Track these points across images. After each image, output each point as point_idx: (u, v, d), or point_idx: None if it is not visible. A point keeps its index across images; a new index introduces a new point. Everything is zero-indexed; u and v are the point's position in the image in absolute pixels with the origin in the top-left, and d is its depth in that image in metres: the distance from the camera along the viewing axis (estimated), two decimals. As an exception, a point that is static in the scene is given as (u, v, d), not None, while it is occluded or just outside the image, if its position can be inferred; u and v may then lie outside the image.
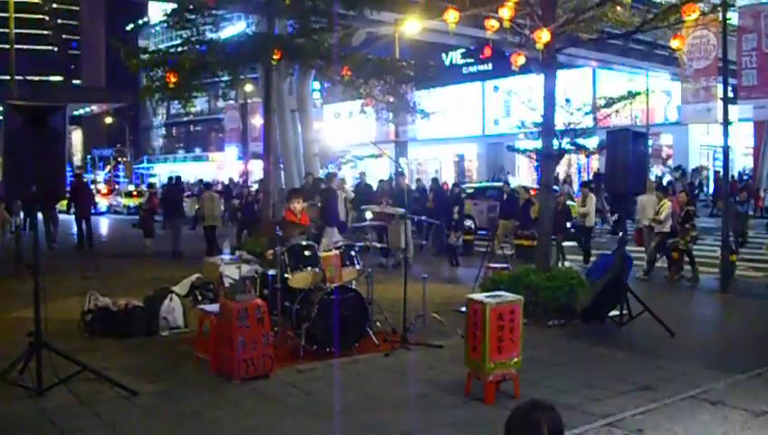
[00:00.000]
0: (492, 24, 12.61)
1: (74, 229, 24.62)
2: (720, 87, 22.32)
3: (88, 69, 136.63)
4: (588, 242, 19.48)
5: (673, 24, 12.95)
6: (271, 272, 10.46)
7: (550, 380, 8.42)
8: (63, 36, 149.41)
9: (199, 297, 11.82)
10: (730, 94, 18.93)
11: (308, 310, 9.53)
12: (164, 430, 7.04)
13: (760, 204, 34.98)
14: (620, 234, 13.15)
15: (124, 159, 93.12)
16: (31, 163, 7.65)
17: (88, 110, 64.10)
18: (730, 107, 18.28)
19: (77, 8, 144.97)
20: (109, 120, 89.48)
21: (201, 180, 34.29)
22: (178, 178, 28.13)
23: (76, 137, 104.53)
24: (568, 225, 19.51)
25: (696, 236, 16.47)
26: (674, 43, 13.20)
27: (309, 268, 10.02)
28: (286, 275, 9.98)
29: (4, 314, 12.43)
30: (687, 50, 25.48)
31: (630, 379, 8.46)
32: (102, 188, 49.96)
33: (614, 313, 11.44)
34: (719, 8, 14.49)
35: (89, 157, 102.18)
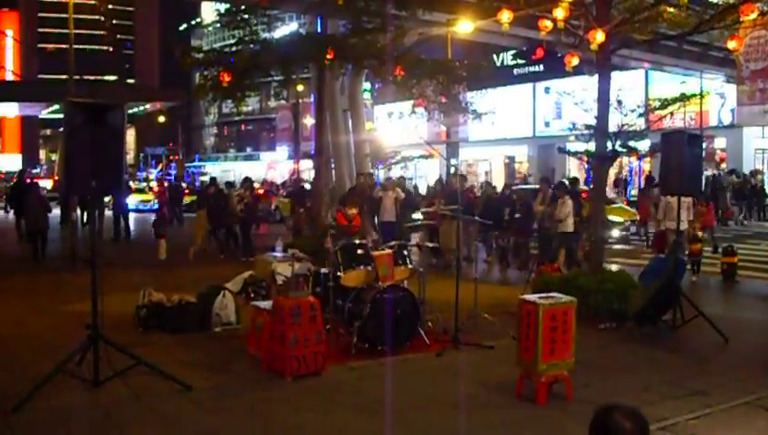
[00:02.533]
0: (546, 24, 12.55)
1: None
2: (777, 89, 22.04)
3: (142, 68, 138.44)
4: (567, 249, 17.41)
5: (730, 25, 12.80)
6: (323, 270, 10.55)
7: (602, 382, 8.38)
8: (118, 36, 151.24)
9: (252, 294, 11.94)
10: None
11: (360, 308, 9.59)
12: (217, 425, 7.13)
13: None
14: (675, 237, 13.00)
15: (176, 158, 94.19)
16: (91, 159, 7.80)
17: (141, 108, 64.77)
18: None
19: (131, 9, 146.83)
20: (161, 118, 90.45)
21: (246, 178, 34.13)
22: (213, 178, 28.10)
23: (129, 135, 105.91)
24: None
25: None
26: (731, 44, 13.06)
27: (361, 267, 10.08)
28: (339, 274, 10.05)
29: (63, 306, 12.69)
30: (744, 51, 25.18)
31: (683, 383, 8.38)
32: (154, 185, 50.52)
33: (667, 316, 11.33)
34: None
35: (141, 155, 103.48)
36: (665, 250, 16.19)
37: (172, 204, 33.57)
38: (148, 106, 62.98)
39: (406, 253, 10.79)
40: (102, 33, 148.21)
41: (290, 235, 22.42)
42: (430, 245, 12.47)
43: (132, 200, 41.66)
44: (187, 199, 36.61)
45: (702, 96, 37.07)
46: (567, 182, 20.83)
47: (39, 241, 19.76)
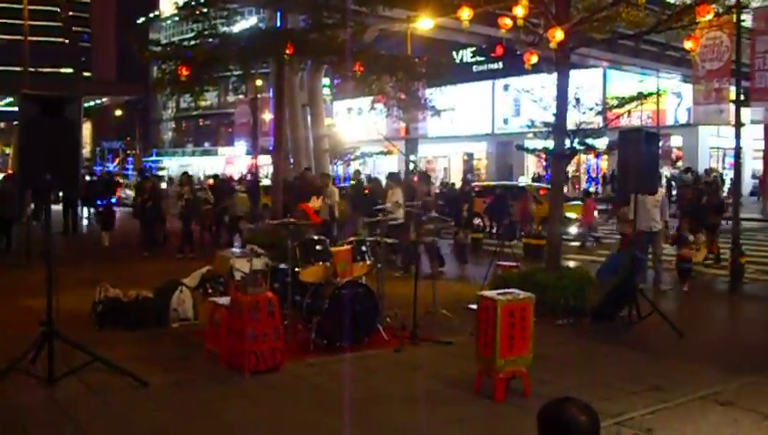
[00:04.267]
0: (505, 22, 12.60)
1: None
2: (732, 89, 22.26)
3: (98, 61, 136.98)
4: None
5: (687, 26, 12.95)
6: (282, 265, 10.51)
7: (559, 378, 8.43)
8: (74, 28, 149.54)
9: (209, 290, 11.85)
10: (742, 97, 18.87)
11: (319, 304, 9.56)
12: (174, 421, 7.07)
13: None
14: (630, 235, 13.13)
15: (133, 152, 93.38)
16: (46, 153, 7.68)
17: (98, 102, 64.16)
18: (741, 109, 18.24)
19: (87, 0, 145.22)
20: (118, 112, 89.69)
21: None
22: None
23: (85, 129, 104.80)
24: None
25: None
26: (687, 45, 13.21)
27: (320, 262, 10.05)
28: (297, 269, 10.02)
29: (16, 302, 12.51)
30: (700, 51, 25.38)
31: (640, 379, 8.46)
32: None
33: (623, 313, 11.43)
34: (733, 10, 14.48)
35: (98, 149, 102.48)
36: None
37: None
38: (104, 99, 62.41)
39: (364, 249, 10.77)
40: (58, 24, 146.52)
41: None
42: (389, 241, 12.45)
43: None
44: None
45: (659, 95, 37.55)
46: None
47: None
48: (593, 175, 50.74)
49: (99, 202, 26.71)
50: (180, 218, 20.53)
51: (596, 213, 23.99)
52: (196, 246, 20.57)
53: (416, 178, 22.86)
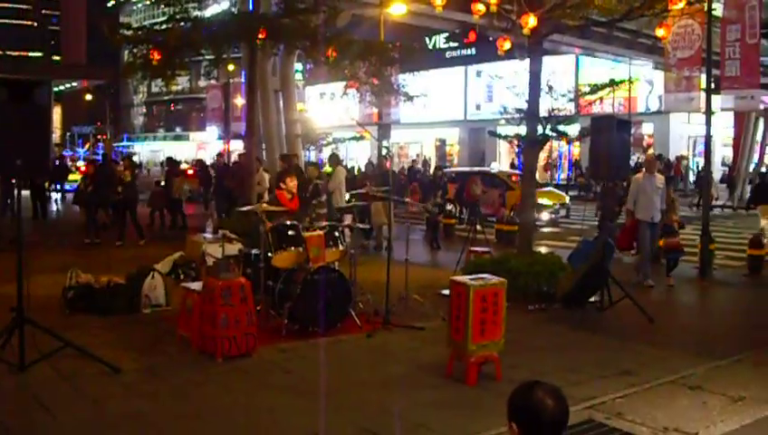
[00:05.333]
0: (479, 8, 12.64)
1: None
2: (703, 77, 22.40)
3: (68, 45, 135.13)
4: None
5: (659, 13, 13.02)
6: (254, 251, 10.48)
7: (530, 363, 8.48)
8: (43, 11, 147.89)
9: (182, 276, 11.79)
10: (712, 85, 18.99)
11: (291, 290, 9.56)
12: (146, 407, 7.04)
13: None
14: (603, 221, 13.21)
15: (104, 137, 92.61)
16: (16, 138, 7.60)
17: (68, 86, 63.49)
18: (712, 97, 18.36)
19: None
20: (89, 97, 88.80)
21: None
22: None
23: (55, 114, 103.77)
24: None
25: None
26: (659, 32, 13.32)
27: (292, 248, 10.04)
28: (270, 255, 10.00)
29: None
30: (672, 39, 25.49)
31: (610, 363, 8.55)
32: (81, 165, 49.49)
33: (595, 298, 11.52)
34: (705, -2, 14.57)
35: (68, 134, 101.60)
36: (633, 246, 15.32)
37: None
38: (75, 84, 61.74)
39: (337, 234, 10.77)
40: (27, 7, 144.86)
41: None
42: (361, 226, 12.46)
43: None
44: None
45: (631, 82, 37.68)
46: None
47: None
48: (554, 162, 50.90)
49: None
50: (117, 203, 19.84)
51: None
52: (147, 228, 20.38)
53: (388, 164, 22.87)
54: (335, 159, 19.03)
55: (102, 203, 20.14)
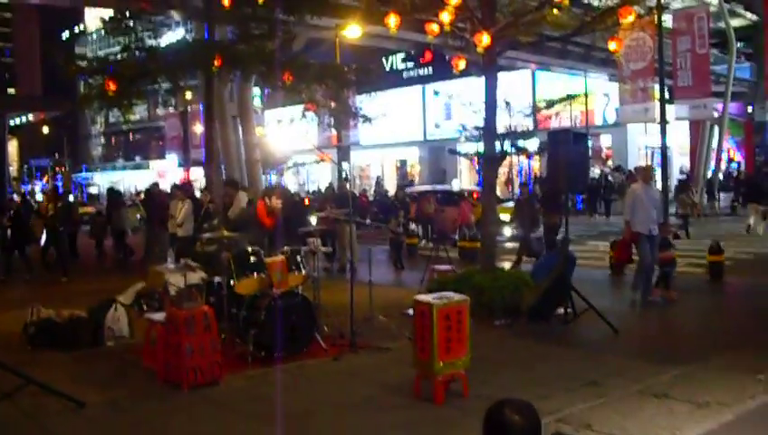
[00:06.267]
0: (433, 28, 12.69)
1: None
2: (657, 88, 22.74)
3: (23, 77, 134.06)
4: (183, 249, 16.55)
5: (610, 27, 13.18)
6: (217, 279, 10.44)
7: (498, 378, 8.51)
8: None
9: (144, 306, 11.69)
10: (666, 95, 19.28)
11: (255, 316, 9.51)
12: (113, 440, 6.98)
13: None
14: (563, 235, 13.27)
15: (62, 169, 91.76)
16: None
17: (24, 119, 62.87)
18: (667, 107, 18.63)
19: (9, 15, 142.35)
20: (45, 129, 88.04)
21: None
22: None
23: (11, 147, 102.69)
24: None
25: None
26: (611, 46, 13.46)
27: (255, 274, 10.01)
28: (232, 282, 9.96)
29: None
30: (625, 52, 25.92)
31: (577, 375, 8.59)
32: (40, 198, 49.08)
33: (559, 311, 11.59)
34: (654, 11, 14.78)
35: (25, 167, 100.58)
36: (629, 260, 14.69)
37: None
38: (31, 116, 61.24)
39: (299, 259, 10.75)
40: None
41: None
42: (323, 249, 12.44)
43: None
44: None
45: (586, 95, 38.12)
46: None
47: None
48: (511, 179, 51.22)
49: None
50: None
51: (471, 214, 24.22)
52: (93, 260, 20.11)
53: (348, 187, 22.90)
54: (233, 184, 18.57)
55: (20, 245, 19.42)
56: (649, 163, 37.03)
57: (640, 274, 13.48)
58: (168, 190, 21.54)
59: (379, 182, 53.27)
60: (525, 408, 2.98)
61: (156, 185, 21.24)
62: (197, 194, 20.23)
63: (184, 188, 19.36)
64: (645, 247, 13.33)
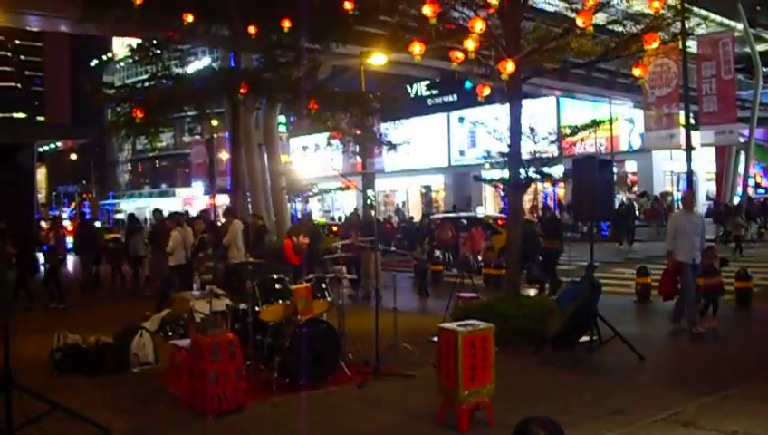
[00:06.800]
0: (457, 55, 12.73)
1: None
2: (682, 114, 22.71)
3: (52, 105, 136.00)
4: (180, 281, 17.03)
5: (634, 53, 13.17)
6: (242, 306, 10.47)
7: (522, 406, 8.42)
8: (27, 73, 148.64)
9: (170, 333, 11.75)
10: (692, 121, 19.23)
11: (280, 343, 9.53)
12: (137, 467, 6.99)
13: None
14: (588, 262, 13.20)
15: (90, 196, 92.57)
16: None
17: (53, 146, 63.59)
18: (692, 133, 18.59)
19: (40, 45, 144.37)
20: (74, 156, 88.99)
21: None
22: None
23: (40, 174, 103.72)
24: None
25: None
26: (636, 72, 13.39)
27: (280, 301, 10.03)
28: (257, 309, 9.98)
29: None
30: (649, 78, 25.90)
31: (602, 403, 8.53)
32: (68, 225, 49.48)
33: (584, 339, 11.52)
34: (679, 37, 14.76)
35: (53, 193, 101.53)
36: (675, 292, 13.45)
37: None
38: (59, 143, 61.88)
39: (324, 286, 10.76)
40: (10, 69, 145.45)
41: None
42: (348, 276, 12.48)
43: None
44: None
45: (611, 122, 38.06)
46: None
47: None
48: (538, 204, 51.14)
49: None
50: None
51: (483, 241, 24.00)
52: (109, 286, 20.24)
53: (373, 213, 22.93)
54: (230, 213, 18.61)
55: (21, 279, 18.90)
56: (687, 190, 36.96)
57: (684, 305, 13.10)
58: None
59: (399, 209, 53.39)
60: (551, 424, 3.02)
61: (158, 212, 21.21)
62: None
63: (231, 212, 19.19)
64: (688, 277, 12.89)
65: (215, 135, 45.35)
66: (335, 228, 29.74)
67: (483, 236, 23.99)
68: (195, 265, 16.99)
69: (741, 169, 42.28)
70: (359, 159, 34.08)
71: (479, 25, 11.90)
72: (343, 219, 37.41)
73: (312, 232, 17.62)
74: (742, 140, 39.46)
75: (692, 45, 23.50)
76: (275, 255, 11.49)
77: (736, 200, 40.81)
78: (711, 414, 7.98)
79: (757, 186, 52.63)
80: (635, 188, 47.84)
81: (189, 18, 18.03)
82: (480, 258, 20.65)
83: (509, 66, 12.10)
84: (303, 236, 11.42)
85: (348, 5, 15.95)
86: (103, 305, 18.03)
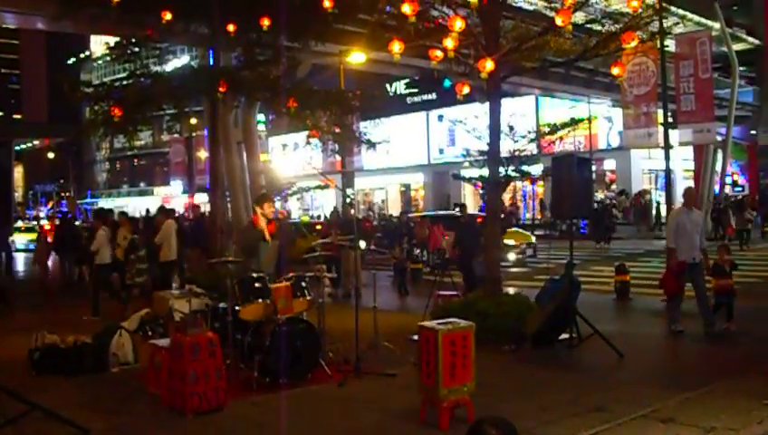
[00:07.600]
0: (436, 54, 12.74)
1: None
2: (660, 112, 22.76)
3: (29, 103, 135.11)
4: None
5: (613, 52, 13.23)
6: (221, 305, 10.44)
7: (503, 404, 8.46)
8: (3, 70, 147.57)
9: (149, 332, 11.68)
10: (670, 119, 19.31)
11: (260, 342, 9.51)
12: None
13: None
14: (568, 260, 13.23)
15: (68, 195, 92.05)
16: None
17: (30, 145, 63.22)
18: (670, 131, 18.66)
19: (16, 42, 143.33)
20: (51, 155, 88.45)
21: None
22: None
23: (17, 172, 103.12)
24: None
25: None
26: (614, 71, 13.44)
27: (260, 300, 10.00)
28: (237, 308, 9.96)
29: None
30: (628, 77, 25.93)
31: (582, 401, 8.56)
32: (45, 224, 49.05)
33: (564, 336, 11.57)
34: (657, 36, 14.81)
35: (30, 192, 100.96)
36: (679, 292, 13.12)
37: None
38: (36, 142, 61.52)
39: (304, 284, 10.74)
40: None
41: None
42: (328, 275, 12.46)
43: (22, 240, 40.34)
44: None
45: (590, 120, 38.21)
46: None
47: None
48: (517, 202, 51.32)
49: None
50: None
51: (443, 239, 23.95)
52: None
53: (352, 212, 22.94)
54: (163, 212, 18.62)
55: None
56: (687, 186, 37.10)
57: (673, 308, 13.10)
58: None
59: (371, 208, 53.42)
60: (503, 423, 3.06)
61: (102, 210, 21.15)
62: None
63: (166, 212, 19.02)
64: (693, 277, 12.82)
65: (193, 133, 45.11)
66: (319, 227, 29.70)
67: (442, 233, 23.97)
68: (127, 267, 16.86)
69: (718, 167, 42.46)
70: (338, 158, 34.05)
71: (458, 24, 11.90)
72: (325, 218, 37.41)
73: (287, 233, 17.60)
74: (719, 138, 39.63)
75: (670, 44, 23.58)
76: (253, 246, 11.36)
77: (711, 198, 41.09)
78: (690, 410, 8.04)
79: (734, 184, 53.02)
80: (613, 187, 48.09)
81: (168, 16, 17.93)
82: (447, 256, 20.61)
83: (488, 65, 12.11)
84: (268, 205, 11.32)
85: (327, 4, 15.87)
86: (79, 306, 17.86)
